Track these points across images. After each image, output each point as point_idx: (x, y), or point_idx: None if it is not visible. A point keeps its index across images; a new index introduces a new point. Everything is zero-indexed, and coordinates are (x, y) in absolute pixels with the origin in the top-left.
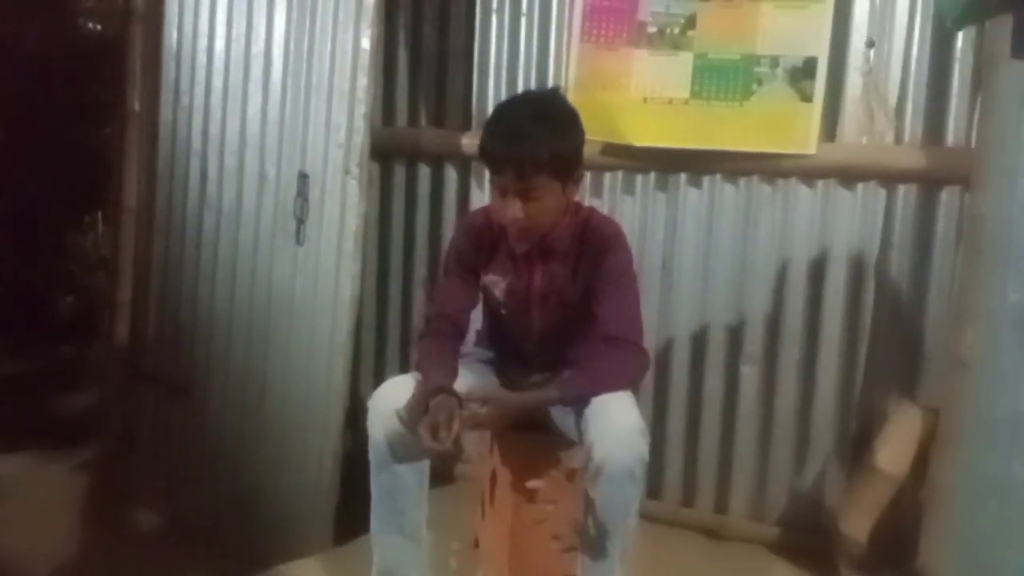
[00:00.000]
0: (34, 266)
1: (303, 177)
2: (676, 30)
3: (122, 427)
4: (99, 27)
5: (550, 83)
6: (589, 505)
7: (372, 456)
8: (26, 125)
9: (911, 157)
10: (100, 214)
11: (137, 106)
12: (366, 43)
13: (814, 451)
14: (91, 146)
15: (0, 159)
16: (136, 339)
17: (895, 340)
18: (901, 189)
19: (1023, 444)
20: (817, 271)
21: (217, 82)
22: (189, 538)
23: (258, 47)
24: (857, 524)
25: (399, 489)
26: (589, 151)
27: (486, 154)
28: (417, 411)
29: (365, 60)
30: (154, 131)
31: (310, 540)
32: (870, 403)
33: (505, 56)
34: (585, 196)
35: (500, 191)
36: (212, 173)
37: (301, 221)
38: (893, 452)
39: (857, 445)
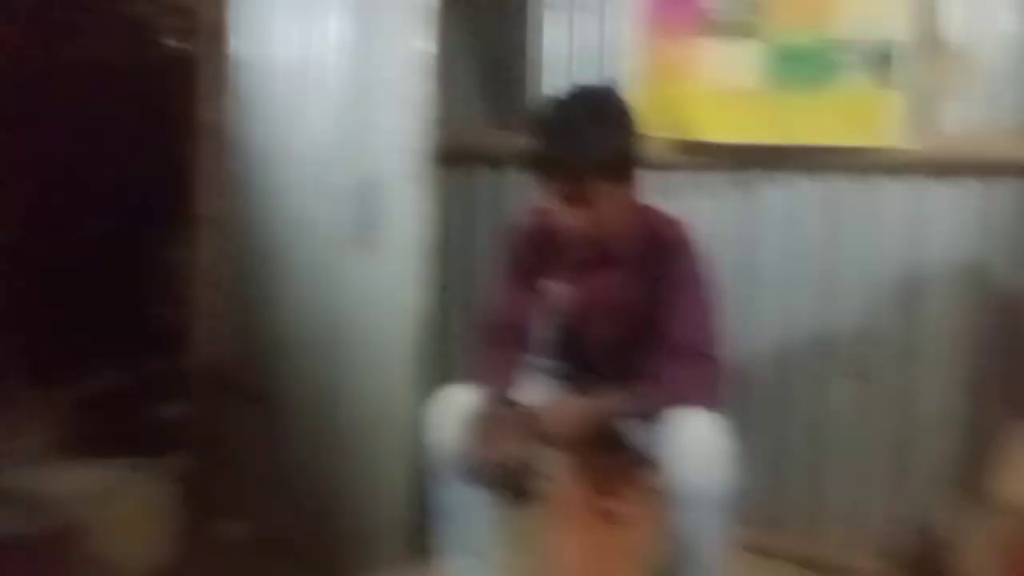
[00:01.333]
0: (131, 280)
1: (368, 185)
2: (745, 16)
3: (208, 438)
4: (175, 44)
5: (612, 77)
6: (671, 531)
7: (434, 472)
8: (114, 142)
9: (1011, 146)
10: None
11: (209, 118)
12: (428, 45)
13: (916, 475)
14: (176, 161)
15: (96, 178)
16: (217, 351)
17: (1007, 349)
18: (1002, 182)
19: None
20: (913, 275)
21: (280, 90)
22: (270, 549)
23: (320, 53)
24: (981, 565)
25: (462, 506)
26: (656, 149)
27: (538, 158)
28: (480, 427)
29: (428, 63)
30: (224, 142)
31: (386, 554)
32: (981, 422)
33: (564, 52)
34: (655, 198)
35: (555, 196)
36: (280, 183)
37: (368, 230)
38: (1019, 480)
39: (967, 469)
